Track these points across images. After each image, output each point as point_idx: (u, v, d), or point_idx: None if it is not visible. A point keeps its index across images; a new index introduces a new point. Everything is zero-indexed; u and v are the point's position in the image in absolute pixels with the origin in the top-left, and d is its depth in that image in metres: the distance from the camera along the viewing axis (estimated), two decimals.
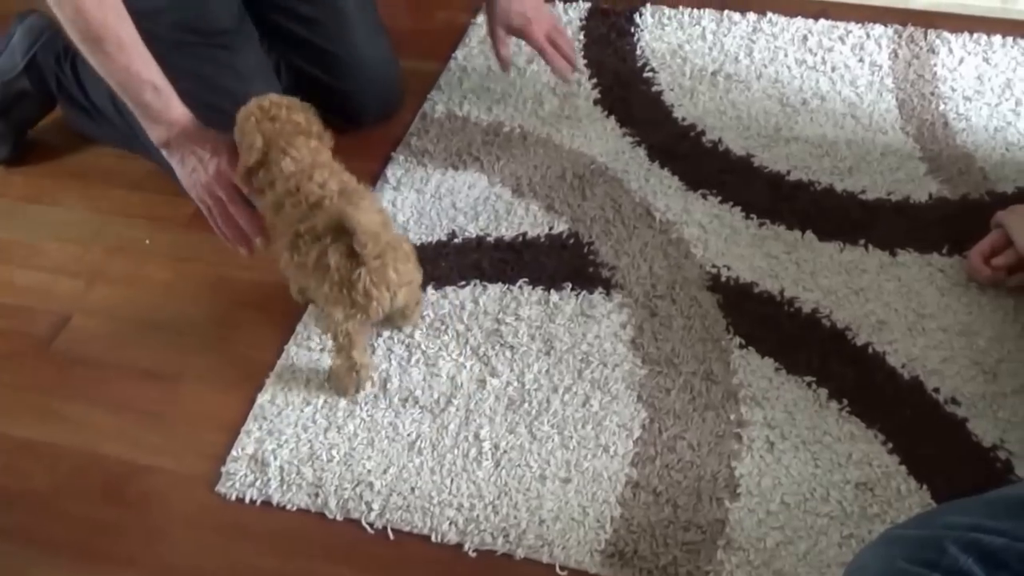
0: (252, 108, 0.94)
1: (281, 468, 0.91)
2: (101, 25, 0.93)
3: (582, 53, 1.33)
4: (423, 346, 0.99)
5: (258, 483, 0.90)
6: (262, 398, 0.97)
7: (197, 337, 1.04)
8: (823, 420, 0.90)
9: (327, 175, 0.91)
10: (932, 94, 1.21)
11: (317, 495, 0.89)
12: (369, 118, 1.22)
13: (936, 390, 0.91)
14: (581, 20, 1.38)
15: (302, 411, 0.95)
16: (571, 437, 0.91)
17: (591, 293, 1.03)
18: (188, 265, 1.12)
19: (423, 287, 1.00)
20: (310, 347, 1.00)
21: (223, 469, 0.92)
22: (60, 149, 1.28)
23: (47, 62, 1.23)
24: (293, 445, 0.93)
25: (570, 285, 1.04)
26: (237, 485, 0.90)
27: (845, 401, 0.91)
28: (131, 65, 0.96)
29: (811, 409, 0.90)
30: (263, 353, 1.00)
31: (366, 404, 0.95)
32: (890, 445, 0.87)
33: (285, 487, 0.90)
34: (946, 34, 1.28)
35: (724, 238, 1.06)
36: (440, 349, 0.99)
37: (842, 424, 0.89)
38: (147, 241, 1.15)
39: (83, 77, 1.21)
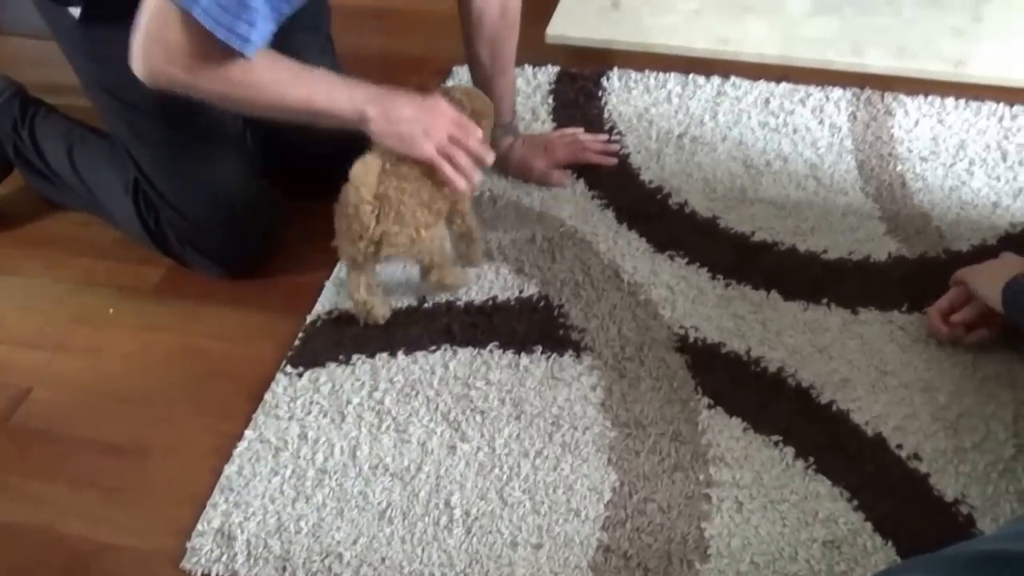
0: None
1: (248, 541, 0.95)
2: (280, 90, 1.01)
3: (551, 117, 1.43)
4: (393, 412, 1.05)
5: (224, 558, 0.94)
6: (229, 469, 1.01)
7: (163, 408, 1.09)
8: (790, 479, 0.96)
9: None
10: (890, 155, 1.31)
11: (285, 568, 0.93)
12: (340, 179, 1.30)
13: (899, 446, 0.98)
14: (550, 84, 1.49)
15: (270, 482, 1.00)
16: (542, 502, 0.96)
17: (561, 356, 1.09)
18: (154, 334, 1.17)
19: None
20: (279, 415, 1.06)
21: (188, 544, 0.95)
22: (22, 217, 1.34)
23: (3, 128, 1.29)
24: (260, 517, 0.97)
25: (540, 348, 1.10)
26: (203, 561, 0.94)
27: (811, 459, 0.97)
28: (313, 98, 1.02)
29: (778, 468, 0.97)
30: (231, 424, 1.05)
31: (335, 473, 1.00)
32: (856, 502, 0.93)
33: (252, 561, 0.94)
34: (902, 97, 1.40)
35: (691, 299, 1.14)
36: (410, 415, 1.04)
37: (809, 482, 0.96)
38: (111, 310, 1.20)
39: (41, 143, 1.27)
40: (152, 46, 0.96)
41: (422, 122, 1.05)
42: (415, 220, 1.05)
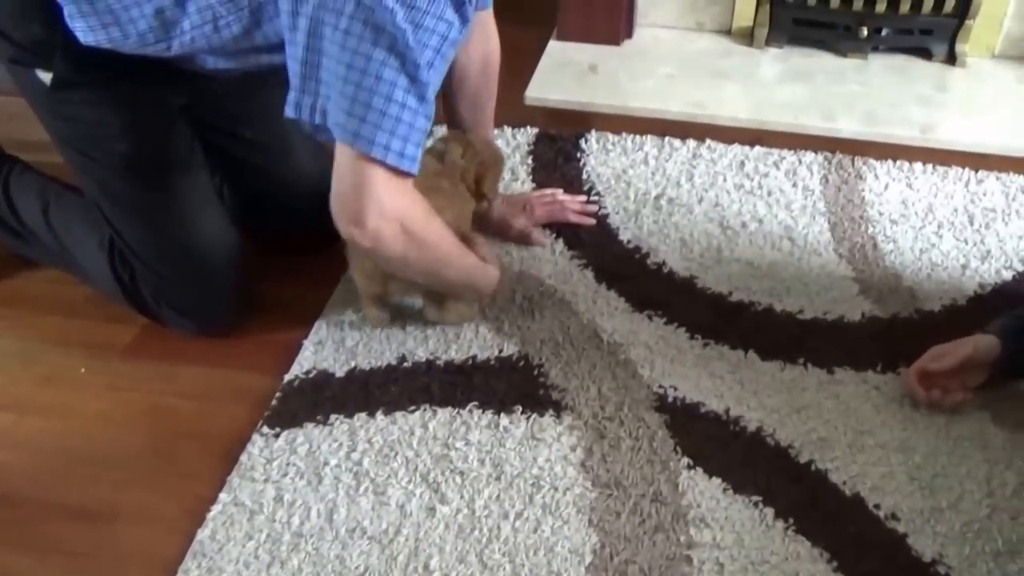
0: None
1: None
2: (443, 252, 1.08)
3: (530, 177, 1.49)
4: (371, 474, 1.07)
5: None
6: (202, 534, 1.02)
7: (133, 471, 1.09)
8: (770, 540, 0.99)
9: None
10: (861, 217, 1.39)
11: None
12: (319, 230, 1.33)
13: (877, 506, 1.02)
14: (529, 145, 1.55)
15: (244, 546, 1.01)
16: (523, 565, 0.98)
17: (541, 416, 1.13)
18: (126, 394, 1.18)
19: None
20: (254, 478, 1.07)
21: None
22: None
23: None
24: None
25: (520, 408, 1.13)
26: None
27: (791, 520, 1.01)
28: (467, 269, 1.13)
29: (759, 529, 1.00)
30: (204, 486, 1.06)
31: (312, 537, 1.01)
32: (835, 564, 0.96)
33: None
34: (872, 161, 1.48)
35: (670, 359, 1.19)
36: (389, 476, 1.06)
37: (789, 543, 0.99)
38: (82, 370, 1.22)
39: (15, 201, 1.30)
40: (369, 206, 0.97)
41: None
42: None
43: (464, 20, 0.95)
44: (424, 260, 1.06)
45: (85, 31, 1.03)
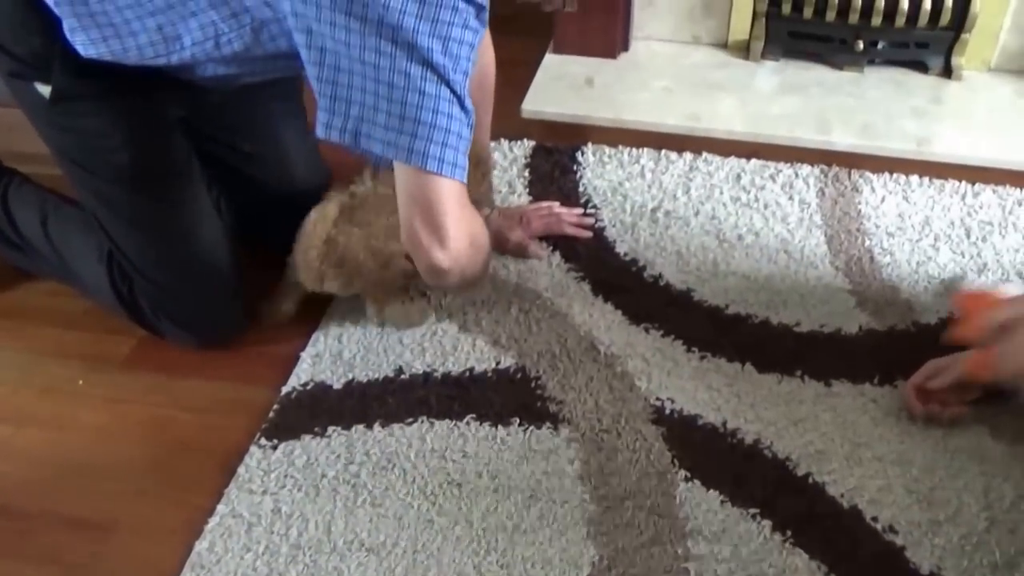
0: None
1: None
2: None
3: (527, 190, 1.50)
4: (369, 486, 1.07)
5: None
6: (200, 545, 1.02)
7: (132, 483, 1.10)
8: (768, 552, 1.00)
9: None
10: (858, 230, 1.40)
11: None
12: None
13: (874, 519, 1.02)
14: (526, 158, 1.57)
15: (242, 558, 1.01)
16: None
17: (539, 428, 1.13)
18: (124, 406, 1.19)
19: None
20: (252, 489, 1.07)
21: None
22: None
23: None
24: None
25: (518, 420, 1.14)
26: None
27: (788, 532, 1.01)
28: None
29: (756, 542, 1.01)
30: (202, 498, 1.07)
31: (309, 549, 1.02)
32: None
33: None
34: (868, 174, 1.50)
35: (667, 371, 1.19)
36: (387, 488, 1.07)
37: (787, 556, 0.99)
38: (80, 382, 1.22)
39: (14, 213, 1.30)
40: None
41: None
42: (356, 264, 1.17)
43: (483, 25, 0.97)
44: (480, 273, 1.08)
45: (86, 44, 1.05)
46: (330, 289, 1.22)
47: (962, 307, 1.18)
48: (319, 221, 1.17)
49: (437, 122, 0.93)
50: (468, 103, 0.96)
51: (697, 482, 1.06)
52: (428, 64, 0.92)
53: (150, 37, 1.04)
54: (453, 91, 0.94)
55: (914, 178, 1.49)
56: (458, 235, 0.99)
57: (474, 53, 0.96)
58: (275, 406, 1.17)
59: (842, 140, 1.57)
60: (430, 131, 0.93)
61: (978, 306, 1.10)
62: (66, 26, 1.04)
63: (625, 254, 1.38)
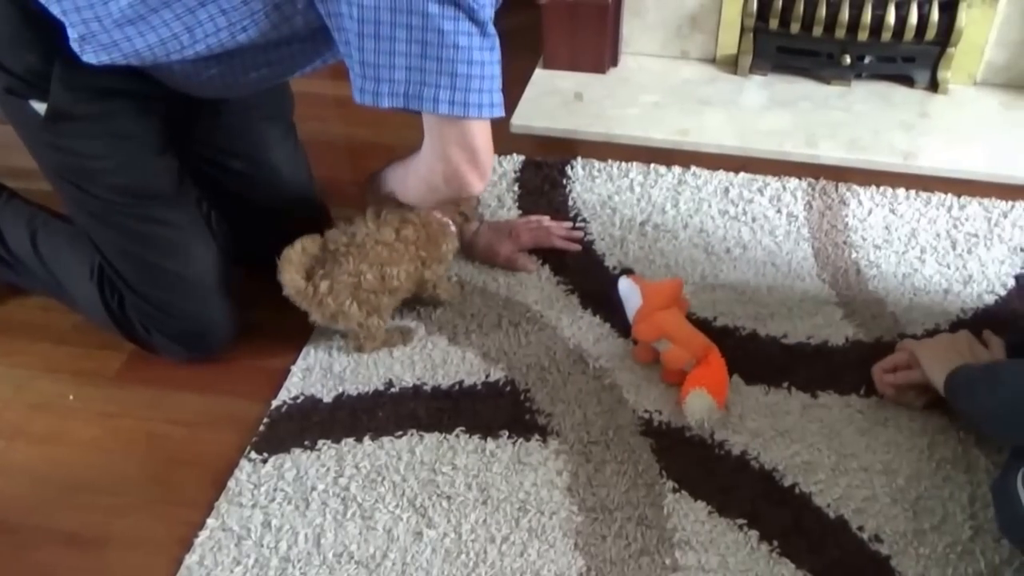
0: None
1: None
2: None
3: (516, 204, 1.53)
4: (359, 499, 1.09)
5: None
6: (190, 559, 1.04)
7: (123, 497, 1.11)
8: (755, 563, 1.02)
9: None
10: (844, 243, 1.43)
11: None
12: None
13: (860, 528, 1.04)
14: (515, 172, 1.59)
15: (232, 571, 1.03)
16: None
17: (528, 440, 1.15)
18: (115, 421, 1.21)
19: None
20: (242, 503, 1.09)
21: None
22: None
23: None
24: None
25: (507, 433, 1.16)
26: None
27: (775, 543, 1.03)
28: None
29: (744, 552, 1.03)
30: (193, 512, 1.08)
31: (299, 562, 1.03)
32: None
33: None
34: (855, 187, 1.53)
35: (655, 383, 1.21)
36: (376, 501, 1.09)
37: (774, 566, 1.01)
38: (71, 397, 1.24)
39: (3, 229, 1.32)
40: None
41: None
42: (336, 300, 1.20)
43: None
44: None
45: (97, 50, 1.05)
46: (314, 321, 1.24)
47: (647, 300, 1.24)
48: (290, 258, 1.18)
49: (472, 72, 1.03)
50: (490, 28, 1.04)
51: (685, 493, 1.08)
52: (459, 5, 0.99)
53: (171, 30, 1.05)
54: (482, 32, 1.02)
55: (900, 191, 1.52)
56: (488, 159, 1.13)
57: None
58: (265, 420, 1.19)
59: (829, 153, 1.60)
60: (467, 81, 1.03)
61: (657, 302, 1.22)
62: (73, 35, 1.05)
63: (614, 267, 1.40)
